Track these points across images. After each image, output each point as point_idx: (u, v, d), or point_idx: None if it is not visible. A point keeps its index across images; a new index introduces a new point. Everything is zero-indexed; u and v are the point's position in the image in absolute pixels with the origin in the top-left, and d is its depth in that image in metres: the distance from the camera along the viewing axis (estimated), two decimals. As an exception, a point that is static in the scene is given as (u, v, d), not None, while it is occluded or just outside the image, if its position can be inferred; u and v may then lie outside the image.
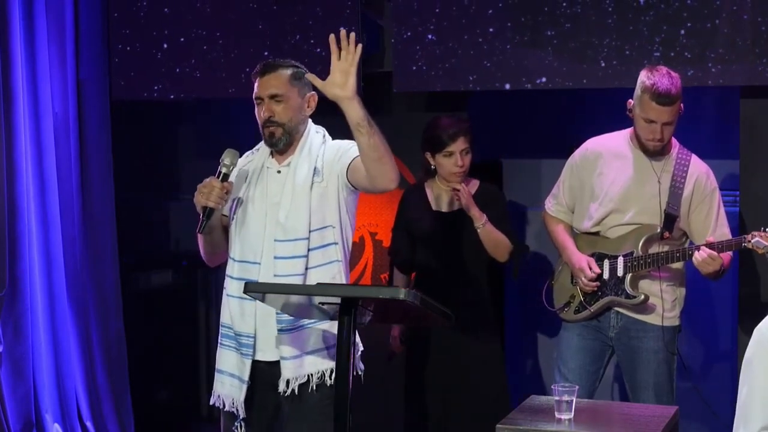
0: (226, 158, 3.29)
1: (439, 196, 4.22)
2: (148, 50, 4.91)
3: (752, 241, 3.65)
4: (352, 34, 3.07)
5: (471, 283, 4.17)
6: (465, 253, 4.15)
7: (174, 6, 4.86)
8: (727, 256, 3.80)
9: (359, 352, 3.35)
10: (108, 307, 5.06)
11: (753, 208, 4.26)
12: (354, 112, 3.07)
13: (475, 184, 4.22)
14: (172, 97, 4.95)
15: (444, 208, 4.21)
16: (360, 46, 3.07)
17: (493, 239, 4.10)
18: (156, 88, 4.92)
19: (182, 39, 4.85)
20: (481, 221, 4.07)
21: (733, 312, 4.60)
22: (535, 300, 4.22)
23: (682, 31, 4.07)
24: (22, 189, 4.65)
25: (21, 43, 4.65)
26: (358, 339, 3.27)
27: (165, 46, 4.88)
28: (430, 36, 4.40)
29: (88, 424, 4.95)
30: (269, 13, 4.71)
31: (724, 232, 3.88)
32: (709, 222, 3.88)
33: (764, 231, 3.64)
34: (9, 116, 4.58)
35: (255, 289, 3.03)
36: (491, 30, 4.32)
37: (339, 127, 3.27)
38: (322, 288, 3.07)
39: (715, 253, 3.71)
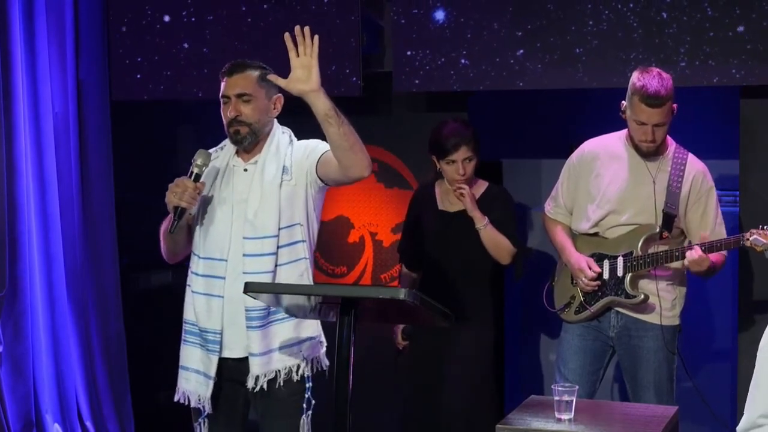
0: (199, 159, 3.31)
1: (445, 195, 4.24)
2: (148, 50, 4.91)
3: (750, 239, 3.64)
4: (307, 28, 3.06)
5: (475, 281, 4.19)
6: (469, 253, 4.15)
7: (174, 6, 4.86)
8: (718, 255, 3.80)
9: (323, 348, 3.38)
10: (108, 307, 5.06)
11: (752, 208, 4.26)
12: (321, 104, 3.07)
13: (482, 186, 4.23)
14: (172, 97, 4.95)
15: (450, 208, 4.22)
16: (317, 37, 3.06)
17: (494, 241, 4.11)
18: (156, 88, 4.92)
19: (182, 39, 4.85)
20: (482, 223, 4.08)
21: (733, 311, 4.59)
22: (535, 300, 4.22)
23: (706, 41, 4.11)
24: (22, 189, 4.64)
25: (21, 43, 4.64)
26: (322, 336, 3.35)
27: (165, 46, 4.88)
28: (463, 60, 4.44)
29: (88, 424, 4.95)
30: (268, 13, 4.71)
31: (720, 231, 3.88)
32: (706, 220, 3.87)
33: (762, 229, 3.63)
34: (9, 116, 4.58)
35: (255, 289, 3.02)
36: (521, 53, 4.36)
37: (307, 127, 3.28)
38: (322, 288, 3.07)
39: (704, 254, 3.70)
